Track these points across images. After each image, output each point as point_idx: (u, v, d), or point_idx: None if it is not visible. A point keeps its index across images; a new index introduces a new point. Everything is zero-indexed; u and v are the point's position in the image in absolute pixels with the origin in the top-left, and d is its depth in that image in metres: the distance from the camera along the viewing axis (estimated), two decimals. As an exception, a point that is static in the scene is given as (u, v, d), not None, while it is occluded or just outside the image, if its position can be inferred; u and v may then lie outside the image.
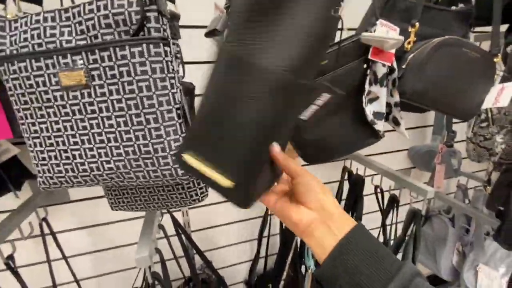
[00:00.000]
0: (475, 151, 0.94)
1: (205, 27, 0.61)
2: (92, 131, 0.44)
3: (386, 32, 0.57)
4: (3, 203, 0.80)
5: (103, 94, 0.43)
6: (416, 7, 0.61)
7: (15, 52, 0.42)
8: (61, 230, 0.96)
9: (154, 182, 0.48)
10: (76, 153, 0.45)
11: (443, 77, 0.60)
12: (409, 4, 0.63)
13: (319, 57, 0.31)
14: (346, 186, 1.09)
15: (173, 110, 0.44)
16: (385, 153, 1.31)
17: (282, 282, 0.97)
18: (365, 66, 0.58)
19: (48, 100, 0.43)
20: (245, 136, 0.31)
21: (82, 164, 0.46)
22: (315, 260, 0.92)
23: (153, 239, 0.63)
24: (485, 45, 0.65)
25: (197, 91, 0.53)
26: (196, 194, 0.59)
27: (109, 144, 0.44)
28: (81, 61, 0.42)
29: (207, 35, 0.60)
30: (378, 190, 1.00)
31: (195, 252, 0.93)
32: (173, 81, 0.44)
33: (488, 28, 0.67)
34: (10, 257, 0.63)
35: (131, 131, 0.44)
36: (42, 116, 0.44)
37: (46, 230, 0.81)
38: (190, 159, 0.34)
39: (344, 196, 1.10)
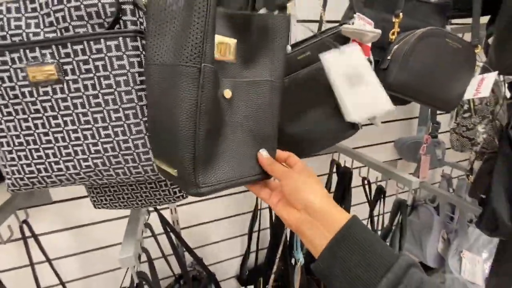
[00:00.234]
0: (458, 141, 0.97)
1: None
2: (67, 128, 0.42)
3: (363, 25, 0.57)
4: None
5: (77, 90, 0.41)
6: (398, -3, 0.61)
7: None
8: (44, 232, 0.93)
9: (135, 178, 0.46)
10: (50, 151, 0.43)
11: (427, 67, 0.60)
12: None
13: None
14: (334, 178, 1.10)
15: (153, 104, 0.42)
16: (372, 145, 1.33)
17: (272, 276, 0.97)
18: None
19: (16, 96, 0.40)
20: (169, 127, 0.36)
21: (57, 163, 0.43)
22: (304, 254, 0.93)
23: (138, 238, 0.62)
24: (466, 38, 0.66)
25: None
26: (180, 191, 0.57)
27: (86, 141, 0.42)
28: (52, 55, 0.39)
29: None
30: (366, 181, 1.01)
31: (184, 249, 0.92)
32: (151, 75, 0.42)
33: (467, 20, 0.68)
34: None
35: (110, 127, 0.42)
36: (9, 113, 0.41)
37: (28, 233, 0.78)
38: (157, 162, 0.42)
39: (333, 188, 1.11)
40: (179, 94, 0.33)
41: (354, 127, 0.62)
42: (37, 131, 0.42)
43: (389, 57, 0.61)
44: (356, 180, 1.02)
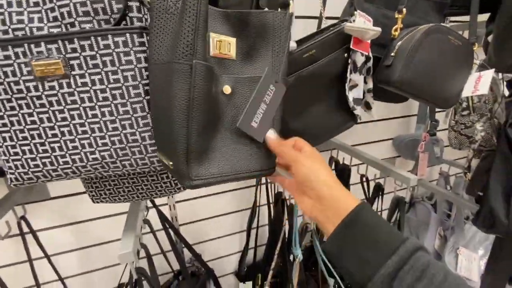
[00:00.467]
0: (456, 139, 0.97)
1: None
2: (74, 122, 0.42)
3: (363, 22, 0.58)
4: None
5: (84, 84, 0.41)
6: (401, -7, 0.62)
7: None
8: (42, 228, 0.93)
9: (141, 169, 0.47)
10: (56, 145, 0.43)
11: (431, 64, 0.60)
12: None
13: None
14: (333, 175, 1.10)
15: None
16: (371, 142, 1.34)
17: (271, 272, 0.97)
18: (345, 55, 0.59)
19: (20, 91, 0.40)
20: (165, 121, 0.38)
21: (63, 156, 0.43)
22: (302, 250, 0.94)
23: (137, 234, 0.62)
24: (465, 36, 0.67)
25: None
26: (181, 182, 0.58)
27: (93, 135, 0.43)
28: (58, 50, 0.39)
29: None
30: (364, 179, 1.01)
31: (183, 246, 0.92)
32: (158, 70, 0.43)
33: (466, 18, 0.68)
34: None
35: (117, 120, 0.43)
36: (12, 108, 0.41)
37: (26, 229, 0.78)
38: (159, 154, 0.44)
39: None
40: (173, 90, 0.35)
41: (353, 119, 0.64)
42: (42, 125, 0.42)
43: (393, 54, 0.61)
44: (354, 177, 1.03)
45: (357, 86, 0.62)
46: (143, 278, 0.63)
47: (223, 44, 0.39)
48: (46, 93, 0.41)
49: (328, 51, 0.57)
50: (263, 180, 1.09)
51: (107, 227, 1.01)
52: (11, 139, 0.42)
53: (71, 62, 0.40)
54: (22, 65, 0.39)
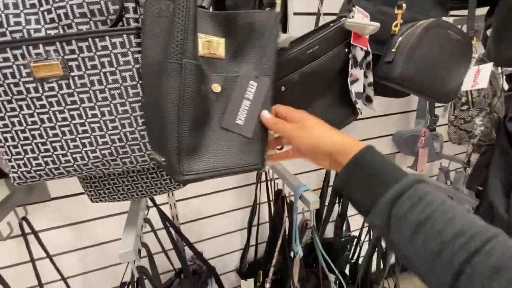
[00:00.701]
0: (456, 134, 0.98)
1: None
2: (74, 122, 0.43)
3: (361, 18, 0.59)
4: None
5: (83, 85, 0.41)
6: (400, -11, 0.61)
7: None
8: (43, 228, 0.93)
9: (141, 166, 0.48)
10: (57, 144, 0.44)
11: (432, 59, 0.60)
12: None
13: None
14: (333, 171, 1.11)
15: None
16: (370, 138, 1.34)
17: (272, 269, 0.98)
18: (346, 50, 0.59)
19: (20, 92, 0.40)
20: (157, 118, 0.39)
21: (65, 155, 0.44)
22: (303, 247, 0.94)
23: (138, 233, 0.62)
24: (464, 30, 0.67)
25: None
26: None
27: (94, 134, 0.44)
28: (56, 52, 0.40)
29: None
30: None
31: (184, 244, 0.92)
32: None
33: (465, 12, 0.68)
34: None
35: (117, 119, 0.43)
36: (13, 109, 0.41)
37: (27, 230, 0.78)
38: (152, 152, 0.46)
39: (332, 181, 1.12)
40: (164, 88, 0.37)
41: (355, 113, 0.65)
42: (43, 125, 0.42)
43: (393, 50, 0.60)
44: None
45: (358, 81, 0.63)
46: (144, 277, 0.63)
47: (212, 44, 0.41)
48: (46, 94, 0.41)
49: (331, 46, 0.57)
50: (263, 177, 1.09)
51: (108, 227, 1.01)
52: (12, 139, 0.43)
53: (70, 63, 0.40)
54: (21, 67, 0.39)
